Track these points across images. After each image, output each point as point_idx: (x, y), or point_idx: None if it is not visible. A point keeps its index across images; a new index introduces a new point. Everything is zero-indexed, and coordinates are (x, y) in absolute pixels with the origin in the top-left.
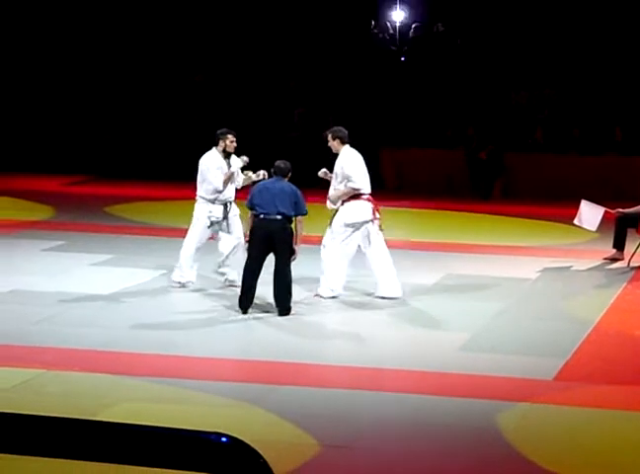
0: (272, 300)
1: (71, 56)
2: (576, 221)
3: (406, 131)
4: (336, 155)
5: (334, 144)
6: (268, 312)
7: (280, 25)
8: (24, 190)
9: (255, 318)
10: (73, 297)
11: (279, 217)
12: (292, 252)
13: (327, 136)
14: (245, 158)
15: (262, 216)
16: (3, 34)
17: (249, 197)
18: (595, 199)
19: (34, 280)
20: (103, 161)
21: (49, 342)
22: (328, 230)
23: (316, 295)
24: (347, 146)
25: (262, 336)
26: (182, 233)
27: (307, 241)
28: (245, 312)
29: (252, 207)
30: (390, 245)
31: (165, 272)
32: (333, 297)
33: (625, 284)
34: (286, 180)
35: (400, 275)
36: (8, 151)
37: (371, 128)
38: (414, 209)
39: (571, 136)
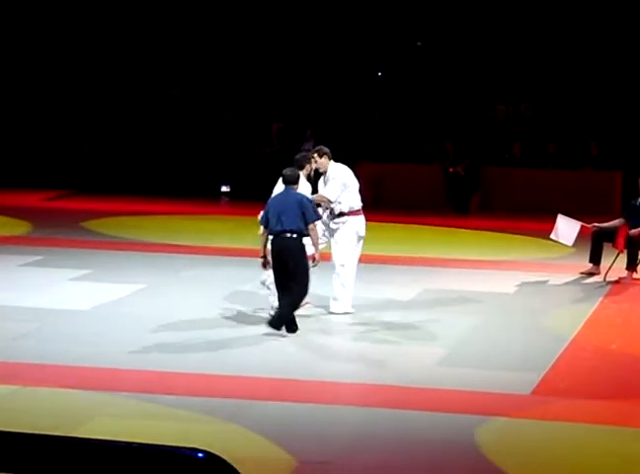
0: (252, 314)
1: (48, 73)
2: (552, 236)
3: (384, 146)
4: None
5: (323, 162)
6: (243, 326)
7: (257, 40)
8: (0, 205)
9: (233, 333)
10: (50, 313)
11: (289, 235)
12: (312, 259)
13: (313, 156)
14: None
15: (274, 235)
16: None
17: (263, 212)
18: (571, 214)
19: (11, 296)
20: (80, 176)
21: (27, 358)
22: (335, 247)
23: (344, 312)
24: (333, 162)
25: (239, 351)
26: (159, 248)
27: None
28: (278, 329)
29: (265, 225)
30: (367, 259)
31: (144, 286)
32: (347, 313)
33: (602, 299)
34: (296, 187)
35: (377, 289)
36: None
37: (349, 143)
38: (391, 224)
39: (547, 151)
